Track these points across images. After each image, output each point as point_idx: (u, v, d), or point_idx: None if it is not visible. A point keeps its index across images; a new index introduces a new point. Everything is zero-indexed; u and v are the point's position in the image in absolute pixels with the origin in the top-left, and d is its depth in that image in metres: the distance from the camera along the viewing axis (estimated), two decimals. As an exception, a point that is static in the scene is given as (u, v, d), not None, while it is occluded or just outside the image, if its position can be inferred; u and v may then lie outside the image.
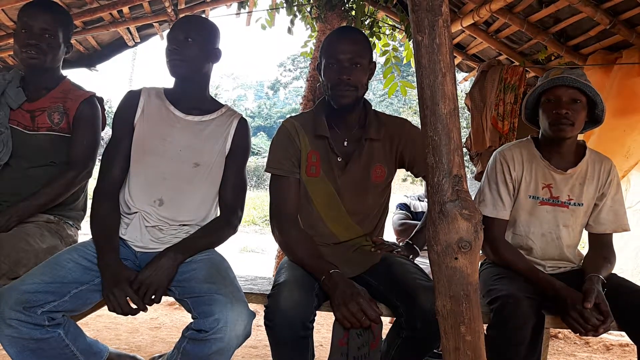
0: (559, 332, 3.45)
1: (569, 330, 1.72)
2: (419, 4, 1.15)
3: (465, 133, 5.04)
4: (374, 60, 1.80)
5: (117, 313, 1.50)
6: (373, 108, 1.86)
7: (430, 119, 1.21)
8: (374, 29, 4.42)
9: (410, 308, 1.50)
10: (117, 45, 4.53)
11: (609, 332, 3.28)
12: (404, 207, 3.36)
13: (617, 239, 2.03)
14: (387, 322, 1.70)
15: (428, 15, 1.15)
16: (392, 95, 4.61)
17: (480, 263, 2.10)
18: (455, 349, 1.24)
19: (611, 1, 2.89)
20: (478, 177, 3.82)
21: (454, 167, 1.26)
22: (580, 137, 2.62)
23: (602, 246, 1.95)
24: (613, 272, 1.89)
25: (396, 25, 4.53)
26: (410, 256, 1.82)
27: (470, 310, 1.25)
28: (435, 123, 1.20)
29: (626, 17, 2.98)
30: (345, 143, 1.79)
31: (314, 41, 4.55)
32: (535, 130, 2.04)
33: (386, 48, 4.61)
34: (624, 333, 1.75)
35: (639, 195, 3.49)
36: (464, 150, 4.07)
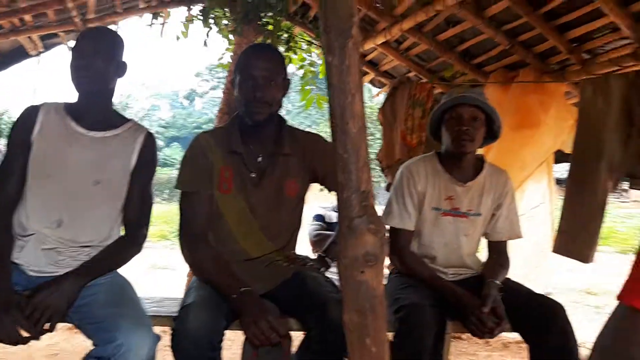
0: (463, 334, 3.65)
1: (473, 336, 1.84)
2: (330, 26, 1.18)
3: (378, 146, 5.20)
4: (288, 75, 1.82)
5: (5, 343, 1.37)
6: (291, 120, 1.90)
7: (340, 137, 1.24)
8: (291, 43, 4.46)
9: (321, 321, 1.53)
10: (17, 54, 4.21)
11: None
12: (319, 218, 3.41)
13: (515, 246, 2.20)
14: (297, 336, 1.72)
15: (338, 37, 1.18)
16: (309, 107, 4.67)
17: (388, 272, 2.18)
18: (360, 361, 1.28)
19: (510, 24, 3.12)
20: (388, 188, 3.96)
21: (362, 183, 1.31)
22: (480, 150, 2.81)
23: (498, 253, 2.10)
24: (507, 276, 2.04)
25: (312, 41, 4.60)
26: (322, 269, 1.86)
27: (376, 322, 1.29)
28: (345, 141, 1.24)
29: (523, 39, 3.22)
30: (260, 159, 1.79)
31: (231, 54, 4.51)
32: (440, 145, 2.16)
33: (302, 63, 4.67)
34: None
35: (533, 202, 3.76)
36: (377, 162, 4.22)
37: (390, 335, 1.68)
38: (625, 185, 2.84)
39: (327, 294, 1.60)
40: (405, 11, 3.35)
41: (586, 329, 4.15)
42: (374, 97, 5.29)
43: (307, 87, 4.55)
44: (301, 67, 4.66)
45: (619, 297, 0.64)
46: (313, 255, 2.16)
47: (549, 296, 1.90)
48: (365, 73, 4.52)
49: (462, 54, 3.69)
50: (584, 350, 3.54)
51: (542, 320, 1.77)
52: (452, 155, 2.05)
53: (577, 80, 3.06)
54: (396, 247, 2.02)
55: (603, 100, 2.74)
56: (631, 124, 2.61)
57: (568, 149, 3.07)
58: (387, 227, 2.06)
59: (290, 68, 4.67)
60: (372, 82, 4.75)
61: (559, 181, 4.02)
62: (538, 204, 3.66)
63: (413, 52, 3.97)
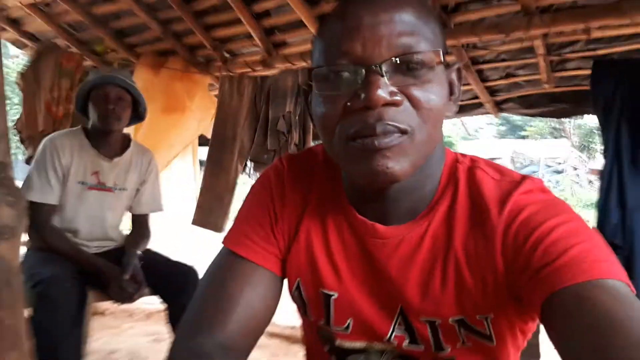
0: (106, 309, 3.69)
1: (114, 304, 1.94)
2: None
3: (17, 113, 4.65)
4: None
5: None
6: None
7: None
8: None
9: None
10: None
11: (148, 302, 3.73)
12: None
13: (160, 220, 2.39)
14: None
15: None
16: None
17: (26, 249, 2.07)
18: (-7, 335, 1.23)
19: (163, 12, 3.28)
20: (29, 161, 3.62)
21: (-2, 153, 1.25)
22: (130, 129, 2.90)
23: (140, 225, 2.26)
24: (149, 247, 2.22)
25: None
26: None
27: (12, 296, 1.27)
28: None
29: (174, 30, 3.43)
30: None
31: None
32: (88, 120, 2.16)
33: None
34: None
35: (180, 180, 4.05)
36: (16, 132, 3.78)
37: (27, 311, 1.64)
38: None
39: None
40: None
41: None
42: (12, 58, 4.65)
43: None
44: None
45: (223, 242, 0.79)
46: None
47: (183, 262, 2.15)
48: (4, 30, 3.96)
49: (116, 32, 3.66)
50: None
51: (177, 282, 2.01)
52: (99, 132, 2.09)
53: (218, 75, 3.45)
54: (36, 221, 1.94)
55: (237, 96, 3.21)
56: (257, 119, 3.15)
57: (209, 134, 3.45)
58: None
59: None
60: (13, 42, 4.19)
61: (202, 162, 4.45)
62: (184, 182, 3.96)
63: (63, 19, 3.70)
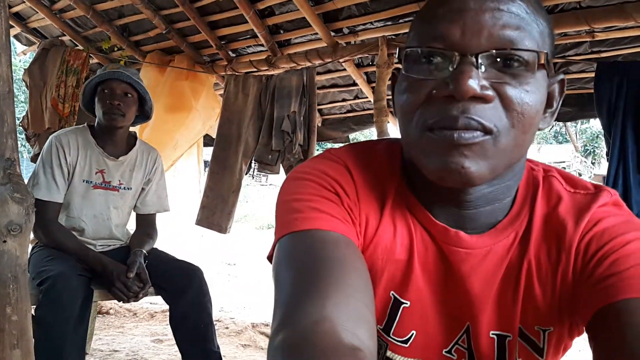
0: (111, 309, 3.70)
1: (118, 303, 1.95)
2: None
3: (23, 110, 4.67)
4: None
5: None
6: None
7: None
8: None
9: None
10: None
11: (152, 302, 3.74)
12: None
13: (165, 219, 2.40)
14: None
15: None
16: None
17: (32, 247, 2.09)
18: (0, 330, 1.25)
19: (168, 10, 3.29)
20: (34, 159, 3.65)
21: (6, 150, 1.26)
22: (136, 128, 2.92)
23: (146, 224, 2.26)
24: (155, 247, 2.23)
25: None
26: None
27: (18, 292, 1.28)
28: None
29: (179, 27, 3.45)
30: None
31: None
32: (93, 117, 2.17)
33: None
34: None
35: (185, 180, 4.07)
36: (21, 129, 3.80)
37: (33, 308, 1.65)
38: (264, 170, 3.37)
39: None
40: (62, -30, 3.15)
41: (225, 293, 4.76)
42: (17, 55, 4.68)
43: None
44: None
45: (279, 233, 0.65)
46: None
47: (188, 261, 2.15)
48: (11, 26, 3.99)
49: (121, 28, 3.68)
50: (218, 311, 4.07)
51: (182, 281, 2.01)
52: (104, 129, 2.10)
53: (223, 74, 3.47)
54: (42, 219, 1.95)
55: (242, 95, 3.22)
56: (262, 119, 3.16)
57: (214, 134, 3.47)
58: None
59: None
60: (17, 37, 4.22)
61: (206, 163, 4.46)
62: (189, 182, 3.98)
63: (68, 16, 3.73)
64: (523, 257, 0.66)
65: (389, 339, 0.70)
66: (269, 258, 0.67)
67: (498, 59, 0.56)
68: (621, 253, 0.59)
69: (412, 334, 0.69)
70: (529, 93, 0.57)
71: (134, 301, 1.94)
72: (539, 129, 0.63)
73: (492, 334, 0.67)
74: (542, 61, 0.57)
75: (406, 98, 0.60)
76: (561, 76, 0.65)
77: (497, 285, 0.67)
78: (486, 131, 0.56)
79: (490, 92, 0.55)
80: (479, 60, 0.55)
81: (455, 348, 0.69)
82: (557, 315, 0.66)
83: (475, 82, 0.54)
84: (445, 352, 0.70)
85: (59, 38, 3.96)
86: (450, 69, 0.56)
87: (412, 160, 0.65)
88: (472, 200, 0.64)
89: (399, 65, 0.63)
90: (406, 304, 0.68)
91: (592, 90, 2.39)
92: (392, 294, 0.69)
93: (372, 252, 0.69)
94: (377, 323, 0.69)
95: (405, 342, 0.70)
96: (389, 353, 0.71)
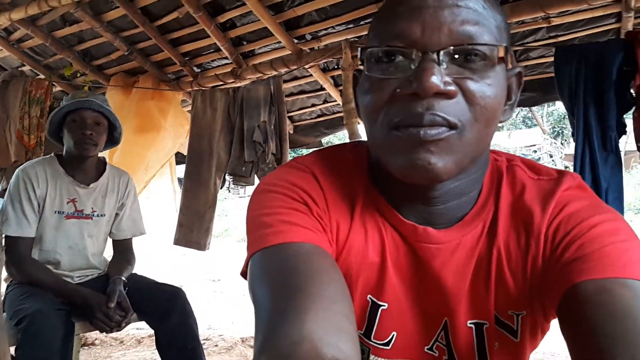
0: (96, 339, 3.63)
1: (102, 333, 1.91)
2: None
3: None
4: None
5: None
6: None
7: None
8: None
9: None
10: None
11: (138, 327, 3.67)
12: None
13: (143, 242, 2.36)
14: None
15: None
16: None
17: (6, 285, 2.03)
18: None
19: (128, 31, 3.26)
20: (2, 194, 3.56)
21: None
22: (105, 153, 2.87)
23: (123, 250, 2.22)
24: (134, 272, 2.19)
25: None
26: None
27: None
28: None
29: (141, 47, 3.41)
30: None
31: None
32: (61, 146, 2.13)
33: None
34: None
35: (159, 201, 4.02)
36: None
37: (13, 348, 1.61)
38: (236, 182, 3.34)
39: None
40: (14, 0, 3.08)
41: (211, 310, 4.70)
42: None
43: None
44: None
45: (250, 250, 0.65)
46: None
47: (170, 284, 2.13)
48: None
49: (82, 54, 3.62)
50: (206, 329, 4.02)
51: (165, 305, 1.98)
52: (74, 158, 2.06)
53: (190, 90, 3.45)
54: (15, 256, 1.90)
55: (211, 110, 3.20)
56: (232, 131, 3.14)
57: (185, 151, 3.43)
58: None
59: None
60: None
61: (180, 180, 4.41)
62: (164, 202, 3.93)
63: (26, 45, 3.66)
64: (492, 246, 0.67)
65: (371, 343, 0.70)
66: (243, 274, 0.67)
67: (459, 55, 0.57)
68: (587, 237, 0.61)
69: (393, 335, 0.70)
70: (491, 86, 0.58)
71: (117, 330, 1.90)
72: (500, 122, 0.64)
73: (470, 323, 0.68)
74: (501, 55, 0.58)
75: (370, 98, 0.60)
76: (518, 69, 0.67)
77: (469, 277, 0.68)
78: (451, 126, 0.56)
79: (453, 88, 0.56)
80: (440, 57, 0.56)
81: (436, 345, 0.70)
82: (529, 300, 0.67)
83: (438, 79, 0.54)
84: (427, 349, 0.70)
85: (19, 69, 3.88)
86: (412, 67, 0.56)
87: (379, 160, 0.66)
88: (439, 196, 0.65)
89: (361, 67, 0.64)
90: (384, 306, 0.69)
91: (552, 74, 2.44)
92: (370, 297, 0.69)
93: (346, 257, 0.69)
94: (358, 329, 0.68)
95: (387, 344, 0.70)
96: (372, 357, 0.71)
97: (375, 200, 0.70)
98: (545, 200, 0.65)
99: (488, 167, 0.70)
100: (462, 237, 0.67)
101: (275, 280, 0.58)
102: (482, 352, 0.69)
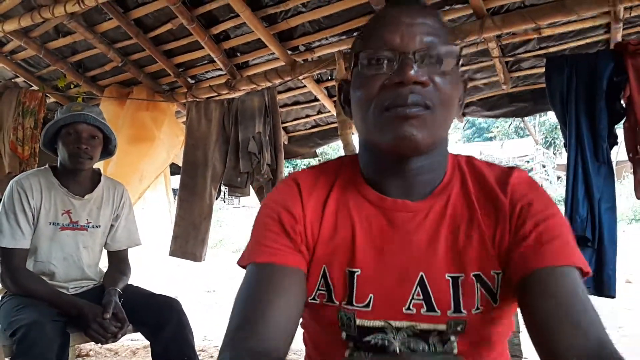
0: (90, 350, 3.60)
1: (98, 344, 1.90)
2: None
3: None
4: None
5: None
6: None
7: None
8: None
9: None
10: None
11: (133, 339, 3.65)
12: None
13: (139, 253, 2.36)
14: None
15: None
16: None
17: (1, 297, 2.02)
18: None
19: (122, 43, 3.27)
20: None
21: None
22: (100, 163, 2.87)
23: (118, 261, 2.22)
24: (130, 283, 2.18)
25: None
26: None
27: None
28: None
29: (135, 58, 3.42)
30: None
31: None
32: (55, 157, 2.13)
33: None
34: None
35: (154, 212, 4.01)
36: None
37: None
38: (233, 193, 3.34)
39: None
40: (7, 11, 3.09)
41: (207, 321, 4.68)
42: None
43: None
44: None
45: (238, 263, 0.85)
46: None
47: (165, 295, 2.12)
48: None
49: (75, 65, 3.63)
50: (202, 340, 4.00)
51: (160, 316, 1.98)
52: (68, 170, 2.06)
53: (184, 101, 3.46)
54: (9, 268, 1.90)
55: (205, 121, 3.21)
56: (227, 142, 3.15)
57: (180, 162, 3.43)
58: None
59: None
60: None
61: (175, 191, 4.41)
62: (159, 213, 3.92)
63: (19, 57, 3.66)
64: (471, 212, 0.83)
65: (354, 307, 0.81)
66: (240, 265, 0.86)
67: (426, 55, 0.76)
68: (542, 228, 0.78)
69: (370, 297, 0.81)
70: (450, 80, 0.78)
71: (113, 342, 1.89)
72: (453, 119, 0.83)
73: (448, 276, 0.80)
74: (456, 58, 0.78)
75: (363, 91, 0.79)
76: (467, 74, 0.87)
77: (442, 234, 0.82)
78: (426, 107, 0.75)
79: (425, 78, 0.75)
80: (415, 57, 0.75)
81: (413, 303, 0.80)
82: (506, 260, 0.80)
83: (414, 71, 0.74)
84: (405, 309, 0.80)
85: (12, 80, 3.88)
86: (395, 65, 0.76)
87: (368, 145, 0.85)
88: (415, 169, 0.82)
89: (345, 78, 0.81)
90: (357, 271, 0.81)
91: (544, 85, 2.48)
92: (346, 270, 0.82)
93: (322, 244, 0.84)
94: (341, 300, 0.81)
95: (367, 305, 0.80)
96: (358, 321, 0.81)
97: (358, 186, 0.87)
98: (503, 185, 0.83)
99: (448, 157, 0.88)
100: (433, 205, 0.83)
101: (243, 293, 0.80)
102: (457, 302, 0.79)
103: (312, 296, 0.83)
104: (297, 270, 0.81)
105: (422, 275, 0.80)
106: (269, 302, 0.76)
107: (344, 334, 0.81)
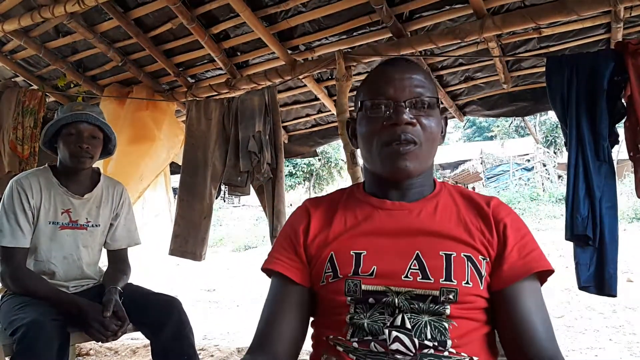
0: (91, 349, 3.60)
1: (98, 343, 1.89)
2: None
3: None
4: None
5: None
6: None
7: None
8: None
9: None
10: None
11: (133, 337, 3.66)
12: None
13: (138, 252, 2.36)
14: None
15: None
16: None
17: (0, 296, 2.02)
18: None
19: (122, 42, 3.27)
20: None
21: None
22: (100, 163, 2.87)
23: (118, 260, 2.21)
24: (130, 282, 2.18)
25: None
26: None
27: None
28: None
29: (135, 58, 3.42)
30: None
31: None
32: (55, 156, 2.13)
33: None
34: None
35: (154, 211, 4.01)
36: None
37: (8, 358, 1.60)
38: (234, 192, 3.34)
39: None
40: (7, 11, 3.09)
41: (207, 320, 4.68)
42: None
43: None
44: None
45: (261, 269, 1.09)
46: None
47: (165, 293, 2.12)
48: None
49: (75, 65, 3.63)
50: (202, 339, 4.00)
51: (160, 315, 1.97)
52: (68, 170, 2.06)
53: (184, 100, 3.46)
54: (10, 267, 1.90)
55: (205, 120, 3.21)
56: (227, 141, 3.15)
57: (180, 161, 3.43)
58: None
59: None
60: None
61: (175, 190, 4.41)
62: (159, 212, 3.92)
63: (19, 56, 3.66)
64: (458, 211, 1.03)
65: (360, 276, 0.97)
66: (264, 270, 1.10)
67: (415, 103, 1.00)
68: (520, 244, 0.98)
69: (374, 268, 0.97)
70: (434, 121, 1.02)
71: (113, 340, 1.89)
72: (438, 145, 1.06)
73: (441, 253, 0.96)
74: (438, 105, 1.03)
75: (368, 128, 1.02)
76: (446, 115, 1.20)
77: (435, 221, 1.01)
78: (415, 143, 0.99)
79: (414, 120, 0.99)
80: (406, 104, 0.99)
81: (410, 272, 0.95)
82: (492, 252, 0.98)
83: (406, 115, 0.98)
84: (403, 277, 0.95)
85: (12, 79, 3.88)
86: (391, 110, 0.99)
87: (372, 170, 1.07)
88: (408, 187, 1.05)
89: (354, 114, 1.12)
90: (364, 252, 0.99)
91: (544, 84, 2.47)
92: (352, 252, 1.00)
93: (333, 236, 1.03)
94: (347, 273, 0.98)
95: (371, 274, 0.97)
96: (363, 287, 0.96)
97: (362, 196, 1.10)
98: (487, 202, 1.04)
99: (434, 180, 1.10)
100: (425, 205, 1.04)
101: (265, 307, 1.05)
102: (448, 272, 0.94)
103: (322, 280, 1.00)
104: (302, 289, 1.03)
105: (418, 253, 0.96)
106: (276, 317, 1.02)
107: (348, 298, 0.96)
